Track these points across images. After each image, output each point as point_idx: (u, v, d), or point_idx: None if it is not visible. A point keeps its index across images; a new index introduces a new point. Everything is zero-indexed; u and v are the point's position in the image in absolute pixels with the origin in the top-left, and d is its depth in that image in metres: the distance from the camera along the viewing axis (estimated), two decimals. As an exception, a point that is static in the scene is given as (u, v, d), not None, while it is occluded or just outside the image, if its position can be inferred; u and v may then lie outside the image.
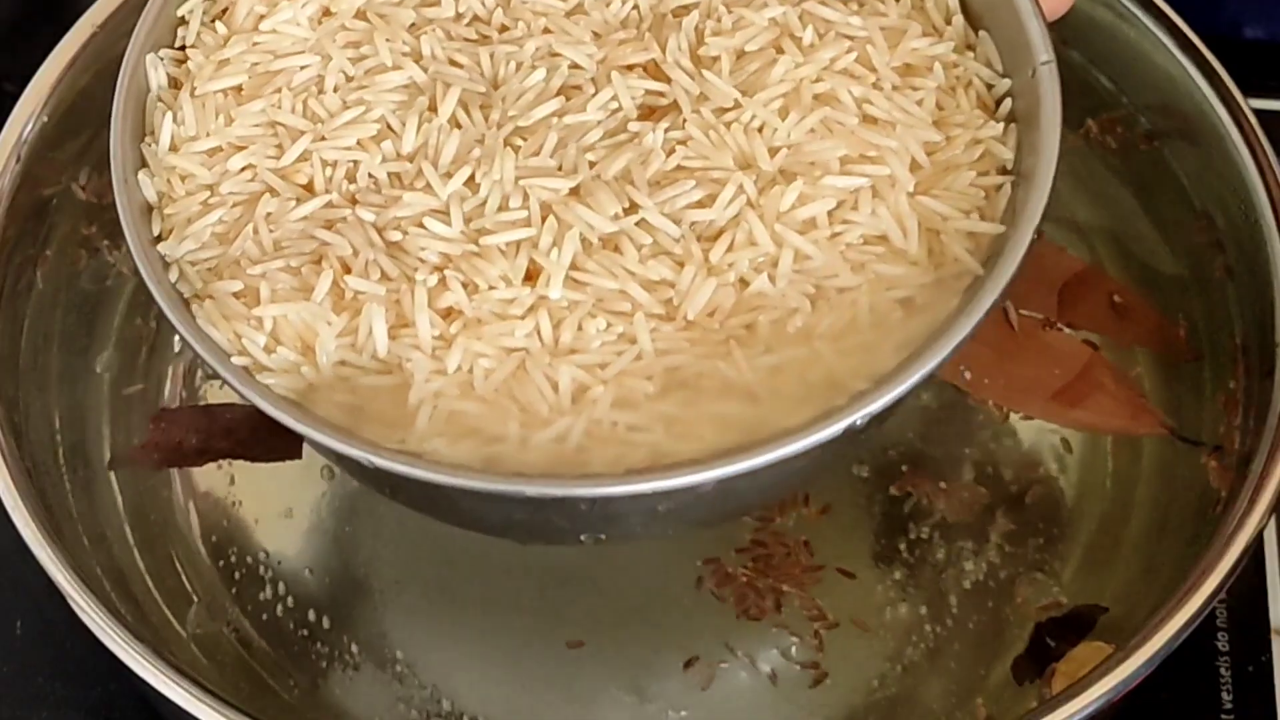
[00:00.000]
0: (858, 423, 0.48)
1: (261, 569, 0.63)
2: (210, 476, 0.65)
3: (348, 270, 0.51)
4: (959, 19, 0.55)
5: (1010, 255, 0.51)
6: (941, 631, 0.62)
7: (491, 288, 0.50)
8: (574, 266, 0.50)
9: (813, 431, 0.48)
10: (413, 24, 0.55)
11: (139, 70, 0.55)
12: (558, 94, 0.53)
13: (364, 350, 0.50)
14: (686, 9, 0.55)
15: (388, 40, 0.54)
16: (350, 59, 0.54)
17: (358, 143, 0.53)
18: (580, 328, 0.50)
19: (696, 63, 0.54)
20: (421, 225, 0.51)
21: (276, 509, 0.64)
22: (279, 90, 0.54)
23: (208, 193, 0.53)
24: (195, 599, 0.62)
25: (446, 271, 0.50)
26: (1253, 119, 0.62)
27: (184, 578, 0.63)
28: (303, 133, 0.53)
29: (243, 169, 0.53)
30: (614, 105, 0.53)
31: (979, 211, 0.52)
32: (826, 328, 0.50)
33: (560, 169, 0.52)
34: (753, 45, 0.54)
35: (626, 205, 0.51)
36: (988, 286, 0.50)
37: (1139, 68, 0.65)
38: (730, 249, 0.51)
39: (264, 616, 0.62)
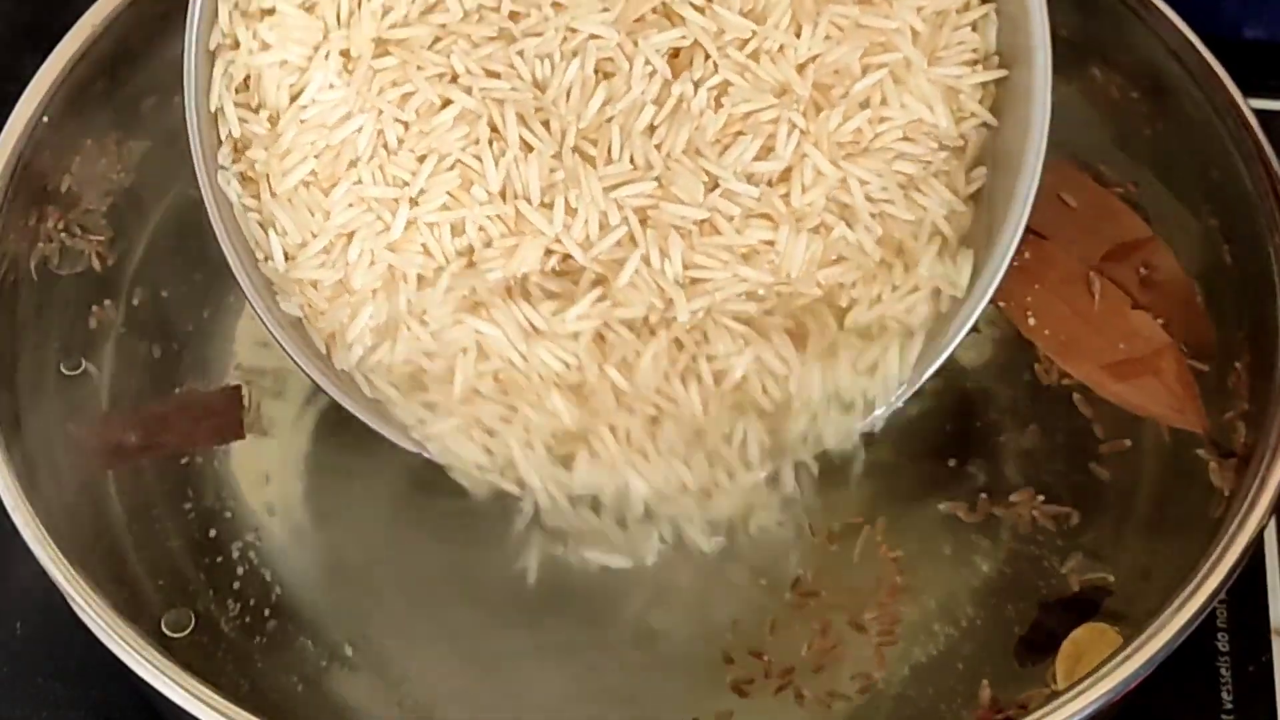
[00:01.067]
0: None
1: (262, 567, 0.63)
2: (208, 474, 0.65)
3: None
4: None
5: (1039, 89, 0.56)
6: (948, 621, 0.62)
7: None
8: (685, 265, 0.55)
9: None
10: (436, 39, 0.56)
11: (220, 192, 0.56)
12: (597, 76, 0.56)
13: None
14: None
15: (419, 69, 0.55)
16: (393, 101, 0.55)
17: (450, 195, 0.55)
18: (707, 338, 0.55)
19: None
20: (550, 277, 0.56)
21: (277, 507, 0.64)
22: (352, 165, 0.55)
23: (343, 292, 0.55)
24: (195, 598, 0.62)
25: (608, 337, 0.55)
26: (1253, 119, 0.62)
27: (183, 576, 0.63)
28: (395, 201, 0.55)
29: (360, 255, 0.55)
30: (649, 70, 0.56)
31: (975, 55, 0.58)
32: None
33: (634, 163, 0.55)
34: None
35: (706, 180, 0.55)
36: (1034, 121, 0.56)
37: (1137, 68, 0.65)
38: (804, 190, 0.55)
39: (264, 613, 0.62)
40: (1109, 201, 0.66)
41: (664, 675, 0.61)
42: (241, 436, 0.64)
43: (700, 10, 0.56)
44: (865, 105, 0.57)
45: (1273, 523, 0.65)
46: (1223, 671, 0.64)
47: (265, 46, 0.55)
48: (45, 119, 0.62)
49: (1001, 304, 0.63)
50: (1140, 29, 0.64)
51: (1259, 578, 0.66)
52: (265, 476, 0.65)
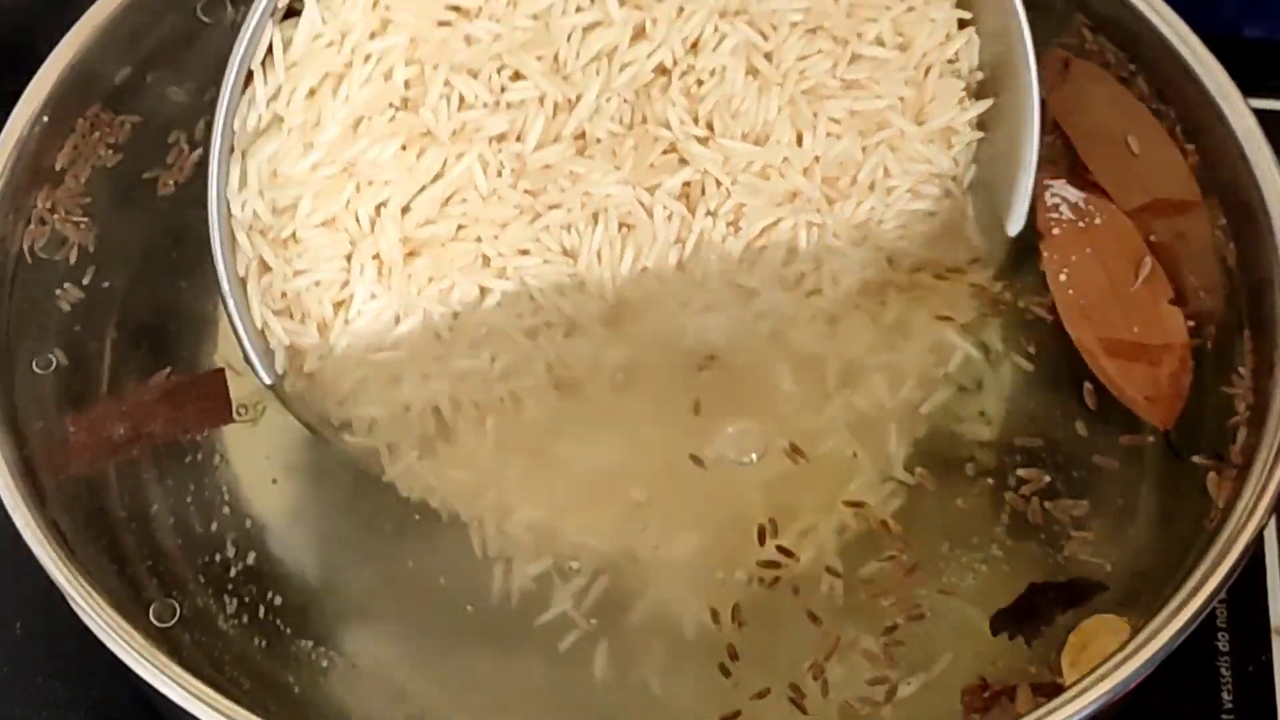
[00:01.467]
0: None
1: (262, 566, 0.63)
2: (206, 472, 0.65)
3: None
4: None
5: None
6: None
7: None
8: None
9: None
10: (459, 226, 0.58)
11: (290, 399, 0.60)
12: (621, 235, 0.59)
13: None
14: (658, 72, 0.58)
15: (461, 270, 0.58)
16: (434, 298, 0.59)
17: (512, 395, 0.59)
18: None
19: (696, 118, 0.59)
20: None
21: (277, 505, 0.64)
22: (410, 356, 0.59)
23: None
24: (195, 597, 0.62)
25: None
26: (1252, 119, 0.62)
27: (184, 576, 0.63)
28: (459, 402, 0.59)
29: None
30: (667, 213, 0.59)
31: (964, 87, 0.61)
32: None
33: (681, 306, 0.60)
34: (737, 87, 0.58)
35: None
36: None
37: (1136, 67, 0.65)
38: (835, 280, 0.60)
39: (263, 613, 0.62)
40: (1171, 155, 0.65)
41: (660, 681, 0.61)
42: (231, 420, 0.63)
43: (704, 142, 0.58)
44: (872, 187, 0.60)
45: (1273, 523, 0.65)
46: (1223, 671, 0.64)
47: (298, 273, 0.58)
48: (45, 119, 0.62)
49: (1045, 253, 0.64)
50: (1139, 28, 0.64)
51: (1259, 578, 0.66)
52: (265, 475, 0.65)
